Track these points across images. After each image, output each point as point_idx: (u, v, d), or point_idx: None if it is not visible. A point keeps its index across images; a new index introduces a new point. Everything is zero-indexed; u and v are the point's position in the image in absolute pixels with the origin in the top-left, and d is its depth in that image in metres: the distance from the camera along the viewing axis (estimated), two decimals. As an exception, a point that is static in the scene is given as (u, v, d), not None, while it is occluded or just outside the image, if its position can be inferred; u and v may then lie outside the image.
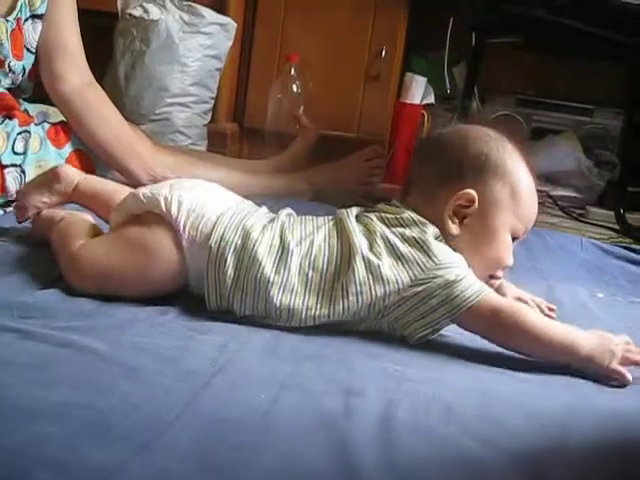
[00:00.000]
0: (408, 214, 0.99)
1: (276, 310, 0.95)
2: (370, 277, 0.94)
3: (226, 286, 0.96)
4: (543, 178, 2.23)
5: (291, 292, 0.95)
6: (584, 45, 1.90)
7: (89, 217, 1.14)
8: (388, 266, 0.94)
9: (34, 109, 1.52)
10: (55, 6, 1.45)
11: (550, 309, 1.13)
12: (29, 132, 1.41)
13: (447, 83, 2.55)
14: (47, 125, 1.46)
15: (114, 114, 1.51)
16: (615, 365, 0.90)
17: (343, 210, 1.03)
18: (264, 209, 1.06)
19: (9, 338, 0.83)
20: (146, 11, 2.06)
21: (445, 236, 0.99)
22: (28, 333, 0.84)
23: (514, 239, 1.03)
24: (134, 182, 1.47)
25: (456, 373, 0.89)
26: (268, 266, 0.95)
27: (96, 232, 1.08)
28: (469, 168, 1.00)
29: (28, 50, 1.44)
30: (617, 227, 1.98)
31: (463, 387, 0.85)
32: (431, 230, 0.98)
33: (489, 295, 0.94)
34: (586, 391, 0.89)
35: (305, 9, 2.31)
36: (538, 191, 1.07)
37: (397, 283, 0.94)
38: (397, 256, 0.95)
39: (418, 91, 2.43)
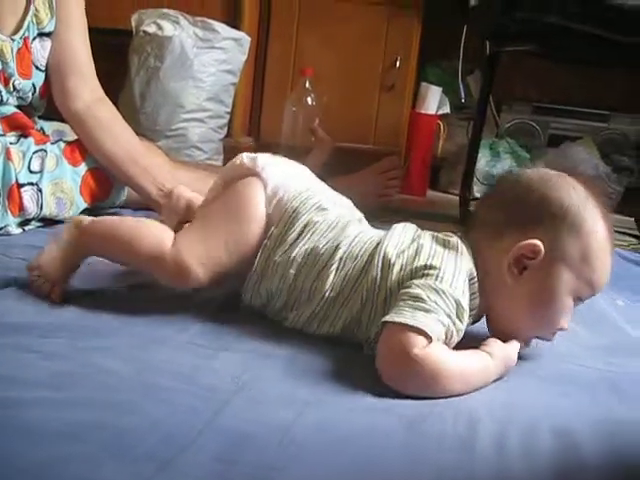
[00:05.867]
0: (457, 240, 0.95)
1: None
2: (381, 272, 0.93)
3: (285, 245, 0.98)
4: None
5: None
6: (599, 51, 1.89)
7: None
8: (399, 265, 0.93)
9: (50, 127, 1.53)
10: (64, 24, 1.45)
11: None
12: (45, 151, 1.42)
13: (462, 92, 2.55)
14: (63, 144, 1.46)
15: (124, 130, 1.51)
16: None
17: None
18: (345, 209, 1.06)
19: (32, 358, 0.83)
20: (160, 28, 2.07)
21: (496, 283, 0.93)
22: (50, 353, 0.84)
23: (578, 300, 0.94)
24: (145, 197, 1.47)
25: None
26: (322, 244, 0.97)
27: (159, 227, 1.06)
28: (544, 216, 0.92)
29: (37, 68, 1.44)
30: (637, 234, 1.96)
31: (489, 399, 0.85)
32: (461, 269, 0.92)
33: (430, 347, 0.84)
34: (612, 405, 0.88)
35: (319, 22, 2.32)
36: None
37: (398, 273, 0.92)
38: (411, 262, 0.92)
39: (433, 101, 2.43)
